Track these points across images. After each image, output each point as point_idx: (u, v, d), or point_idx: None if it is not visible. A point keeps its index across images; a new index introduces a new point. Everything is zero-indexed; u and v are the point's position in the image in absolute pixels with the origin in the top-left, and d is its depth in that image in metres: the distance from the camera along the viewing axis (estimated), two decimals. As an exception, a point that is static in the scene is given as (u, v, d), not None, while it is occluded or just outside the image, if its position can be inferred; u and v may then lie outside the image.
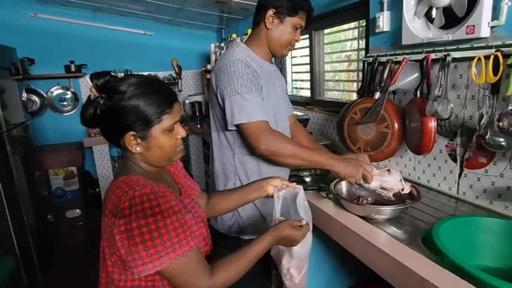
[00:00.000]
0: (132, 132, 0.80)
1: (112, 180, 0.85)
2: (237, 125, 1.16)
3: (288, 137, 1.20)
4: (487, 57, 1.05)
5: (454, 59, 1.20)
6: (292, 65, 2.88)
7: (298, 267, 1.03)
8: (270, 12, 1.21)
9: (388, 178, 1.14)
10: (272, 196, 1.05)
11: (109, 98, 0.79)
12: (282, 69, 2.92)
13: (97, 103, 0.80)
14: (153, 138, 0.82)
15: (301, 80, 2.80)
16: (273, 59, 1.40)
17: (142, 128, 0.80)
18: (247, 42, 1.31)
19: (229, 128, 1.19)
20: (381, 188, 1.16)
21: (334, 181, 1.32)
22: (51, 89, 3.60)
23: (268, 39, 1.26)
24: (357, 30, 2.00)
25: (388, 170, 1.16)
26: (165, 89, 0.84)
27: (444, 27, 1.23)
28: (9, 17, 3.26)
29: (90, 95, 0.81)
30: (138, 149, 0.82)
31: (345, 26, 2.12)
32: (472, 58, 1.11)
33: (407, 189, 1.16)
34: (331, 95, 2.43)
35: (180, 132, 0.86)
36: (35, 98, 3.55)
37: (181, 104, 0.95)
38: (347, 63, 2.29)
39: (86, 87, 3.72)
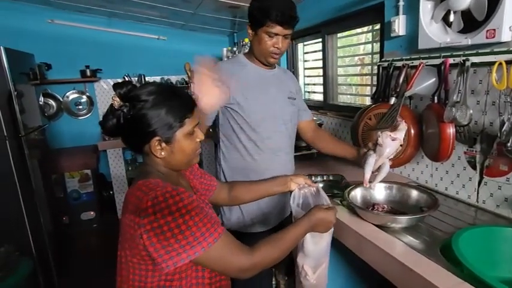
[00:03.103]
0: (157, 138, 0.82)
1: (130, 185, 0.86)
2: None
3: None
4: (508, 62, 1.02)
5: (474, 64, 1.17)
6: (305, 68, 2.87)
7: (312, 266, 1.03)
8: (248, 27, 1.32)
9: (390, 146, 1.17)
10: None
11: (133, 106, 0.81)
12: (295, 73, 2.91)
13: (121, 112, 0.82)
14: (177, 142, 0.84)
15: (314, 84, 2.79)
16: (282, 64, 1.45)
17: (167, 133, 0.83)
18: (246, 53, 1.43)
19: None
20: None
21: (349, 188, 1.30)
22: (67, 94, 3.68)
23: (252, 50, 1.36)
24: (370, 33, 1.98)
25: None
26: (184, 95, 0.87)
27: (463, 31, 1.19)
28: (28, 24, 3.35)
29: (112, 104, 0.83)
30: (163, 153, 0.85)
31: (358, 30, 2.10)
32: (492, 63, 1.08)
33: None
34: (344, 99, 2.40)
35: (199, 135, 0.90)
36: (52, 102, 3.64)
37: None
38: (360, 66, 2.26)
39: (101, 91, 3.79)
